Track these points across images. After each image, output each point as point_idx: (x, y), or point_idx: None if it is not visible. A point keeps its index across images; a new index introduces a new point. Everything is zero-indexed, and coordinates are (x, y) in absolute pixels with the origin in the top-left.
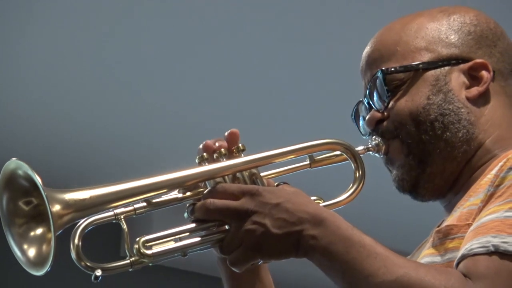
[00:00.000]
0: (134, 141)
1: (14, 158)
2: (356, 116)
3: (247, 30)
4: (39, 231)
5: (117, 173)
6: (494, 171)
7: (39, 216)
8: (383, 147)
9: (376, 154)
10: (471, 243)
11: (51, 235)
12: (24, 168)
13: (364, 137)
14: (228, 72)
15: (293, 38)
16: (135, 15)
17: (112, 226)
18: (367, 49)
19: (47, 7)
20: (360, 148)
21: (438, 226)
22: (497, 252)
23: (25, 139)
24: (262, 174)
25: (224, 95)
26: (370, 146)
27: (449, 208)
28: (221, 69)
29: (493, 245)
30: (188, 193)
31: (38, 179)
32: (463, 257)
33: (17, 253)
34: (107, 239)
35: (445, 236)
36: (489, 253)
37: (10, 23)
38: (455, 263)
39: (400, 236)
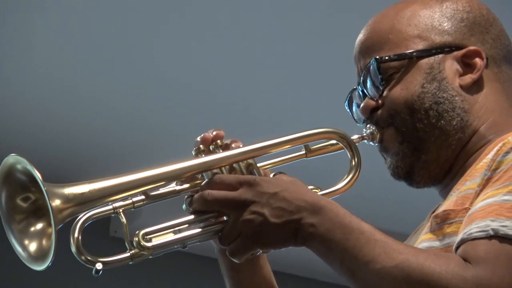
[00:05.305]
0: (131, 135)
1: (13, 154)
2: (349, 104)
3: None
4: (39, 226)
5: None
6: (490, 156)
7: (39, 211)
8: (378, 136)
9: (371, 143)
10: (470, 227)
11: (51, 230)
12: (23, 163)
13: (358, 124)
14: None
15: (288, 30)
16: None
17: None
18: (360, 36)
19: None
20: (355, 137)
21: (434, 211)
22: (497, 236)
23: (23, 134)
24: (259, 165)
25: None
26: (365, 134)
27: (445, 193)
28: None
29: (492, 229)
30: (185, 185)
31: (37, 174)
32: (462, 242)
33: (18, 249)
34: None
35: (443, 221)
36: (489, 237)
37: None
38: (454, 247)
39: (397, 217)
